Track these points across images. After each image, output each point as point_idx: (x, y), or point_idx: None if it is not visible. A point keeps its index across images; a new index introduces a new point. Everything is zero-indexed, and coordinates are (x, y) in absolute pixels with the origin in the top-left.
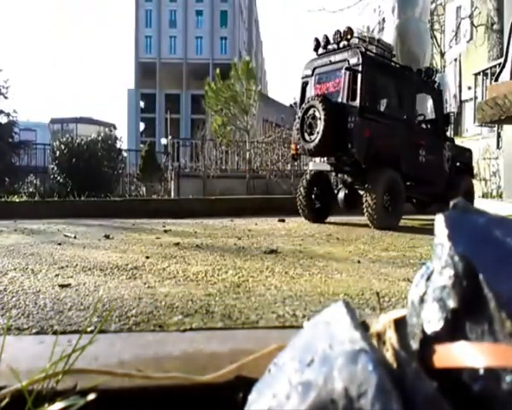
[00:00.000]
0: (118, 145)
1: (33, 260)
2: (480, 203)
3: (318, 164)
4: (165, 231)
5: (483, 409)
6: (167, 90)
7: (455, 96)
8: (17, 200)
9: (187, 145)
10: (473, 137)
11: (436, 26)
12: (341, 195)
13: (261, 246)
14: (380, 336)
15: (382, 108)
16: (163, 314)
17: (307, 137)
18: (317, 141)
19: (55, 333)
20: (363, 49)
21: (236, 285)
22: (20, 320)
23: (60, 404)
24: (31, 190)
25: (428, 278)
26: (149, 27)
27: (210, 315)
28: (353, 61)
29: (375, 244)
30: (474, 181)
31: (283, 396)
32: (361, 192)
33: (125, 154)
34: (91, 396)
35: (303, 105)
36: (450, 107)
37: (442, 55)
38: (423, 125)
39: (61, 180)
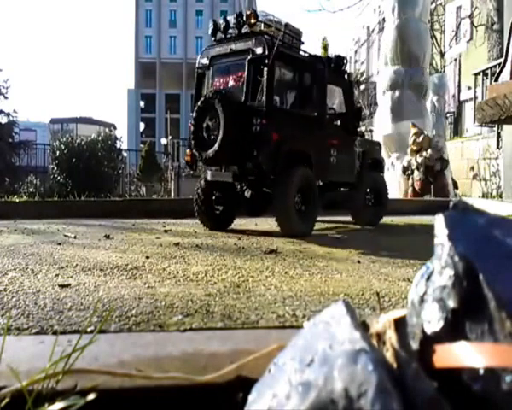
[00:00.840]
0: (118, 145)
1: (33, 260)
2: (479, 203)
3: (218, 174)
4: (165, 231)
5: (483, 409)
6: (167, 90)
7: (453, 96)
8: (17, 200)
9: (187, 145)
10: (473, 137)
11: (436, 26)
12: (247, 198)
13: (261, 246)
14: (380, 336)
15: (291, 106)
16: (163, 314)
17: (204, 143)
18: (216, 147)
19: (55, 333)
20: (270, 38)
21: (236, 285)
22: (20, 320)
23: (60, 404)
24: (31, 190)
25: (428, 278)
26: (149, 27)
27: (210, 315)
28: (258, 50)
29: (374, 244)
30: (475, 181)
31: (283, 396)
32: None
33: (125, 154)
34: (91, 396)
35: (198, 103)
36: (449, 107)
37: (442, 55)
38: (334, 122)
39: (61, 180)
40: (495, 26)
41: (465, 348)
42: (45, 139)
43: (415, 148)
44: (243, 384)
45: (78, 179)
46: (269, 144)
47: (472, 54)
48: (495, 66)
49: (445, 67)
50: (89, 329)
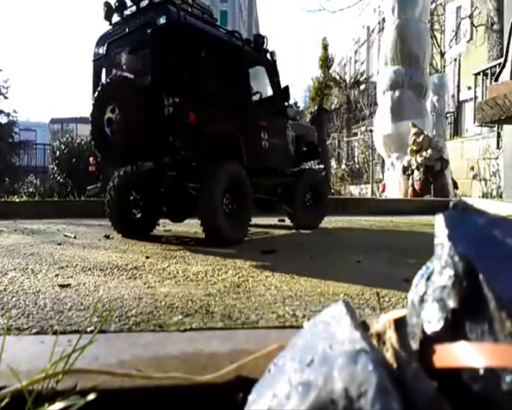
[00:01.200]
0: None
1: (33, 260)
2: (479, 203)
3: (130, 173)
4: (166, 231)
5: (483, 409)
6: None
7: (453, 96)
8: (17, 200)
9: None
10: (473, 137)
11: (436, 26)
12: (170, 200)
13: (261, 246)
14: (380, 336)
15: (209, 85)
16: (163, 314)
17: (108, 141)
18: (120, 143)
19: (55, 333)
20: (173, 5)
21: (236, 285)
22: (20, 320)
23: (60, 404)
24: (31, 190)
25: (428, 278)
26: None
27: (210, 315)
28: (161, 20)
29: (374, 244)
30: (475, 181)
31: (283, 396)
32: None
33: None
34: (91, 396)
35: (95, 94)
36: (449, 107)
37: (442, 55)
38: (261, 104)
39: (61, 180)
40: (495, 26)
41: (465, 348)
42: (45, 139)
43: (415, 148)
44: (243, 384)
45: (78, 179)
46: (185, 126)
47: (472, 54)
48: (495, 66)
49: (444, 67)
50: (89, 329)
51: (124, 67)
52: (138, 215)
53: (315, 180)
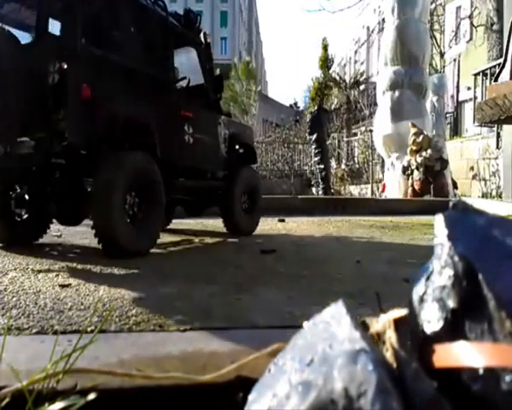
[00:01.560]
0: None
1: (33, 260)
2: (479, 203)
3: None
4: (165, 231)
5: (483, 409)
6: None
7: (452, 96)
8: None
9: None
10: (472, 137)
11: (436, 27)
12: (60, 197)
13: (261, 246)
14: (380, 336)
15: (117, 55)
16: (163, 314)
17: None
18: None
19: (55, 333)
20: None
21: (236, 285)
22: (21, 320)
23: (60, 404)
24: None
25: (428, 278)
26: None
27: (210, 315)
28: None
29: (375, 244)
30: (474, 181)
31: (283, 396)
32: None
33: None
34: (91, 396)
35: None
36: (448, 107)
37: (442, 55)
38: (187, 92)
39: None
40: (495, 27)
41: (465, 348)
42: None
43: (414, 148)
44: (243, 384)
45: None
46: (77, 103)
47: (471, 54)
48: (494, 66)
49: (444, 67)
50: (89, 329)
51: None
52: (24, 216)
53: (252, 181)
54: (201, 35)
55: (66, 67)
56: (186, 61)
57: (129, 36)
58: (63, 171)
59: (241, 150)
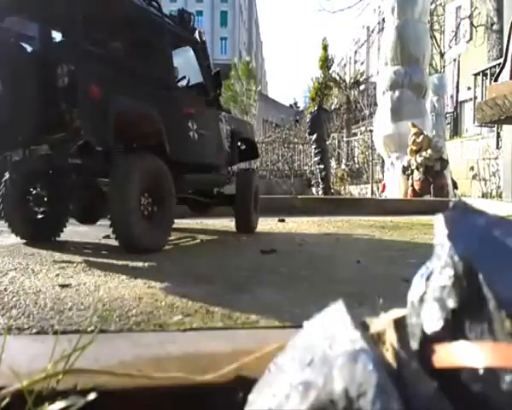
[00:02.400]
0: None
1: (33, 260)
2: (479, 203)
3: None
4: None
5: (483, 409)
6: None
7: (451, 96)
8: None
9: None
10: (472, 137)
11: (436, 27)
12: (77, 196)
13: (261, 246)
14: (380, 336)
15: (116, 57)
16: (163, 314)
17: None
18: (3, 121)
19: (55, 333)
20: None
21: (236, 285)
22: (21, 320)
23: (60, 404)
24: None
25: (428, 278)
26: None
27: (210, 315)
28: None
29: (375, 244)
30: (474, 181)
31: (283, 396)
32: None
33: None
34: (91, 396)
35: None
36: (448, 107)
37: (442, 55)
38: (188, 91)
39: None
40: (494, 27)
41: (465, 348)
42: None
43: (414, 148)
44: (243, 384)
45: None
46: (88, 103)
47: (471, 54)
48: (494, 66)
49: (444, 67)
50: (89, 329)
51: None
52: (41, 215)
53: (256, 182)
54: (196, 33)
55: (73, 68)
56: (183, 61)
57: (128, 37)
58: (79, 171)
59: (242, 146)
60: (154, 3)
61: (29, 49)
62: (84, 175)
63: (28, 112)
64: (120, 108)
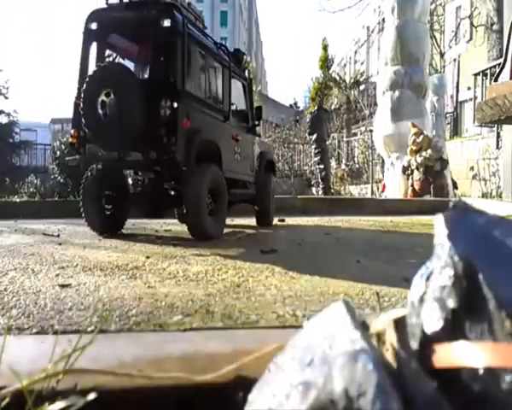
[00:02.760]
0: None
1: (34, 260)
2: (479, 203)
3: (108, 166)
4: (166, 231)
5: (483, 409)
6: None
7: (451, 96)
8: (17, 200)
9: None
10: (472, 137)
11: (436, 27)
12: (145, 196)
13: (261, 246)
14: (380, 336)
15: (199, 92)
16: (163, 314)
17: (99, 122)
18: (112, 126)
19: (55, 333)
20: (178, 10)
21: (236, 285)
22: (21, 320)
23: (60, 404)
24: (31, 190)
25: (428, 278)
26: None
27: (210, 315)
28: (166, 23)
29: (375, 244)
30: (474, 181)
31: (283, 396)
32: (173, 193)
33: None
34: (91, 396)
35: (90, 72)
36: (447, 107)
37: (442, 55)
38: (236, 118)
39: (62, 180)
40: (494, 27)
41: (465, 348)
42: (46, 139)
43: (414, 148)
44: (243, 384)
45: (79, 179)
46: (181, 132)
47: (471, 54)
48: (494, 66)
49: (444, 67)
50: (89, 329)
51: (118, 52)
52: (108, 212)
53: (272, 184)
54: (246, 72)
55: (175, 105)
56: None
57: (207, 77)
58: (153, 178)
59: (266, 163)
60: (223, 49)
61: (140, 75)
62: (158, 180)
63: (131, 124)
64: (201, 138)
